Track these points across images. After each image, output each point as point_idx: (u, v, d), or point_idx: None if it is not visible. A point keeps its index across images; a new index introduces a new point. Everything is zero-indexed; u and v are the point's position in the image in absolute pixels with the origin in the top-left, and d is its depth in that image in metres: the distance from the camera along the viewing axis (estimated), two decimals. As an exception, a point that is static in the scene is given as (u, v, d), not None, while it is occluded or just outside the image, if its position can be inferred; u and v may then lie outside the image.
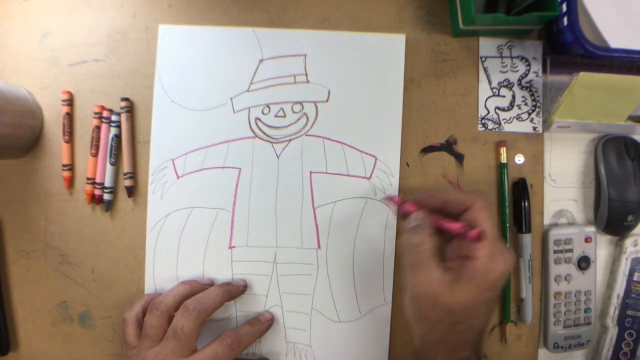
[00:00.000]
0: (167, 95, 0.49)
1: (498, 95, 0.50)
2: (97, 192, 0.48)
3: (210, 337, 0.43)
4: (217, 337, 0.42)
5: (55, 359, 0.49)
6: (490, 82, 0.50)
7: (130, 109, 0.48)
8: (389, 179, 0.49)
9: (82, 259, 0.49)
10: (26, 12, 0.49)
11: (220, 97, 0.49)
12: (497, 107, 0.49)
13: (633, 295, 0.49)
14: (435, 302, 0.37)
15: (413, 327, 0.40)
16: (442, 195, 0.42)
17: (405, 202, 0.43)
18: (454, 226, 0.39)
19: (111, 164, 0.48)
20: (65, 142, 0.48)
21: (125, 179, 0.48)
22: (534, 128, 0.49)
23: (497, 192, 0.49)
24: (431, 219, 0.40)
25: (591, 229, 0.49)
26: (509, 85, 0.50)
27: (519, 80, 0.50)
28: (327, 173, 0.49)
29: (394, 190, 0.48)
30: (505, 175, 0.48)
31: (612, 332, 0.50)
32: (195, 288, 0.45)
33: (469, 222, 0.39)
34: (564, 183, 0.50)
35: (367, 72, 0.49)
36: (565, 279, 0.48)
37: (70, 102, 0.49)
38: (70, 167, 0.48)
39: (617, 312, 0.50)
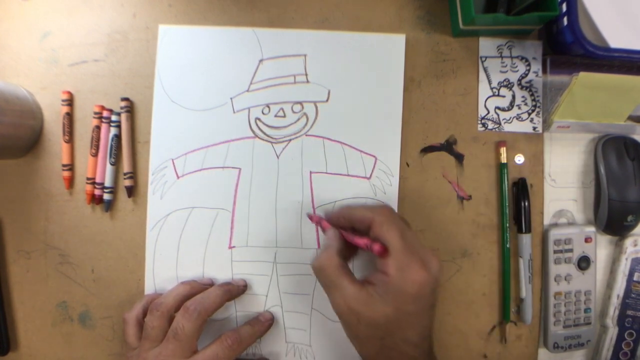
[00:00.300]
0: (167, 95, 0.49)
1: (498, 95, 0.50)
2: (97, 192, 0.48)
3: (210, 337, 0.43)
4: (217, 337, 0.42)
5: (55, 359, 0.49)
6: (490, 82, 0.50)
7: (130, 109, 0.48)
8: (389, 179, 0.49)
9: (82, 259, 0.49)
10: (26, 12, 0.49)
11: (220, 97, 0.49)
12: (497, 107, 0.49)
13: (633, 295, 0.49)
14: (358, 318, 0.37)
15: (353, 345, 0.40)
16: (348, 213, 0.42)
17: (322, 220, 0.44)
18: (360, 242, 0.39)
19: (111, 164, 0.48)
20: (65, 142, 0.48)
21: (125, 179, 0.48)
22: (534, 128, 0.49)
23: (497, 192, 0.49)
24: (341, 235, 0.41)
25: (591, 229, 0.49)
26: (509, 85, 0.50)
27: (519, 80, 0.50)
28: (327, 173, 0.49)
29: (394, 190, 0.48)
30: (505, 175, 0.48)
31: (612, 332, 0.50)
32: (196, 288, 0.45)
33: (374, 237, 0.39)
34: (564, 183, 0.50)
35: (367, 72, 0.49)
36: (565, 279, 0.48)
37: (70, 102, 0.49)
38: (70, 167, 0.49)
39: (617, 312, 0.50)
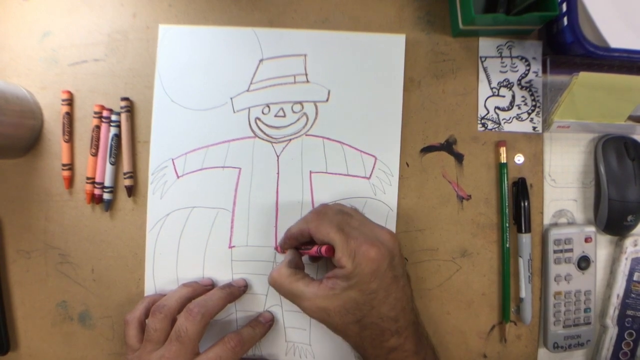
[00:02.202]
0: (167, 95, 0.49)
1: (498, 95, 0.50)
2: (97, 191, 0.48)
3: (211, 338, 0.43)
4: (219, 340, 0.42)
5: (55, 359, 0.49)
6: (490, 82, 0.50)
7: (130, 108, 0.48)
8: (389, 179, 0.49)
9: (82, 259, 0.49)
10: (26, 12, 0.49)
11: (220, 97, 0.49)
12: (497, 107, 0.49)
13: (633, 295, 0.49)
14: (327, 313, 0.39)
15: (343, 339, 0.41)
16: (289, 234, 0.44)
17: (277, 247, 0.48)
18: (312, 251, 0.42)
19: (111, 164, 0.48)
20: (65, 141, 0.48)
21: (125, 178, 0.48)
22: (534, 128, 0.49)
23: (496, 192, 0.49)
24: (296, 252, 0.44)
25: (591, 229, 0.49)
26: (508, 85, 0.50)
27: (519, 80, 0.50)
28: (327, 173, 0.49)
29: (394, 190, 0.48)
30: (505, 175, 0.48)
31: (612, 332, 0.50)
32: (198, 290, 0.45)
33: (318, 241, 0.41)
34: (563, 183, 0.50)
35: (367, 72, 0.49)
36: (565, 279, 0.48)
37: (70, 101, 0.49)
38: (70, 166, 0.49)
39: (617, 312, 0.50)
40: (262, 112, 0.49)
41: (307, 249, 0.43)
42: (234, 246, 0.48)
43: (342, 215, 0.42)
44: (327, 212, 0.42)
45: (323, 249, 0.40)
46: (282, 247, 0.46)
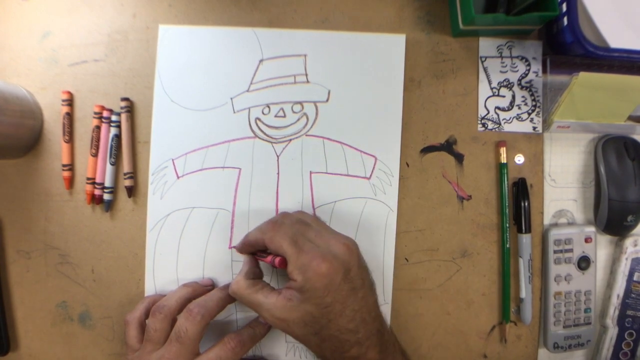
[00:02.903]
0: (167, 95, 0.49)
1: (498, 95, 0.50)
2: (97, 192, 0.48)
3: (211, 338, 0.43)
4: (219, 340, 0.42)
5: (55, 359, 0.49)
6: (490, 82, 0.50)
7: (130, 109, 0.48)
8: (389, 179, 0.49)
9: (82, 259, 0.49)
10: (26, 12, 0.49)
11: (220, 97, 0.49)
12: (497, 107, 0.49)
13: (633, 295, 0.49)
14: (287, 323, 0.39)
15: None
16: (246, 240, 0.45)
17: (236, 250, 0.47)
18: (267, 260, 0.42)
19: (111, 164, 0.48)
20: (65, 142, 0.48)
21: (125, 179, 0.48)
22: (534, 128, 0.49)
23: (497, 192, 0.49)
24: (253, 259, 0.45)
25: (591, 229, 0.49)
26: (508, 85, 0.50)
27: (519, 80, 0.50)
28: (327, 173, 0.49)
29: (394, 190, 0.48)
30: (505, 175, 0.48)
31: (612, 332, 0.50)
32: (198, 291, 0.45)
33: (273, 252, 0.41)
34: (563, 183, 0.50)
35: (367, 72, 0.49)
36: (565, 279, 0.48)
37: (70, 102, 0.49)
38: (70, 167, 0.49)
39: (617, 312, 0.50)
40: (262, 113, 0.49)
41: (263, 256, 0.43)
42: (234, 246, 0.48)
43: (299, 226, 0.42)
44: (284, 222, 0.42)
45: (277, 260, 0.40)
46: (239, 250, 0.46)
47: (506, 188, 0.48)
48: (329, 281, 0.38)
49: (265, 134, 0.49)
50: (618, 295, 0.49)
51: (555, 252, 0.48)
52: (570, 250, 0.48)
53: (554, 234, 0.48)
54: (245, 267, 0.44)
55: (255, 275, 0.44)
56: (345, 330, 0.38)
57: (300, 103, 0.49)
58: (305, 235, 0.41)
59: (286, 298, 0.39)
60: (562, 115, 0.47)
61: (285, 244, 0.40)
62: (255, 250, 0.45)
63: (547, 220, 0.50)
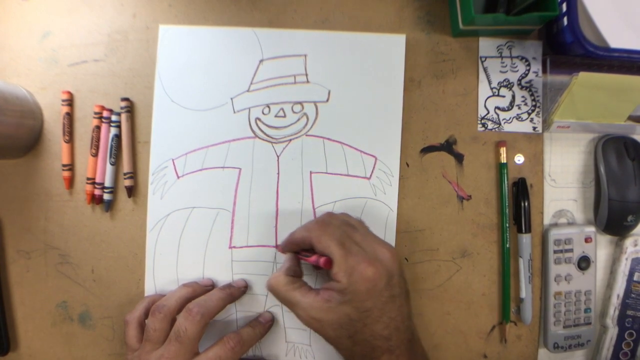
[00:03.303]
0: (167, 95, 0.49)
1: (498, 95, 0.50)
2: (97, 192, 0.48)
3: (210, 338, 0.43)
4: (219, 340, 0.42)
5: (55, 359, 0.49)
6: (490, 82, 0.50)
7: (130, 109, 0.48)
8: (389, 179, 0.49)
9: (82, 259, 0.49)
10: (26, 12, 0.49)
11: (221, 97, 0.49)
12: (497, 107, 0.49)
13: (633, 295, 0.49)
14: (321, 324, 0.39)
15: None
16: (291, 238, 0.44)
17: (279, 249, 0.48)
18: (311, 260, 0.42)
19: (111, 164, 0.48)
20: (65, 142, 0.48)
21: (125, 179, 0.48)
22: (534, 128, 0.49)
23: (497, 192, 0.49)
24: (295, 257, 0.45)
25: (591, 229, 0.49)
26: (508, 85, 0.50)
27: (519, 80, 0.50)
28: (327, 173, 0.49)
29: (394, 190, 0.48)
30: (505, 175, 0.48)
31: (612, 332, 0.50)
32: (197, 291, 0.45)
33: (319, 252, 0.41)
34: (563, 183, 0.50)
35: (367, 72, 0.49)
36: (565, 279, 0.48)
37: (70, 102, 0.49)
38: (70, 167, 0.49)
39: (617, 312, 0.50)
40: (263, 113, 0.49)
41: (307, 255, 0.43)
42: (234, 246, 0.48)
43: (346, 228, 0.42)
44: (331, 223, 0.42)
45: (322, 260, 0.40)
46: (282, 249, 0.46)
47: (506, 188, 0.48)
48: (373, 286, 0.38)
49: (265, 134, 0.49)
50: (618, 295, 0.49)
51: (555, 252, 0.48)
52: (570, 250, 0.48)
53: (554, 234, 0.48)
54: (286, 264, 0.44)
55: (295, 273, 0.44)
56: (378, 337, 0.38)
57: (301, 103, 0.49)
58: (352, 237, 0.41)
59: (324, 299, 0.39)
60: (562, 115, 0.47)
61: (333, 244, 0.39)
62: (299, 249, 0.44)
63: (547, 220, 0.50)
